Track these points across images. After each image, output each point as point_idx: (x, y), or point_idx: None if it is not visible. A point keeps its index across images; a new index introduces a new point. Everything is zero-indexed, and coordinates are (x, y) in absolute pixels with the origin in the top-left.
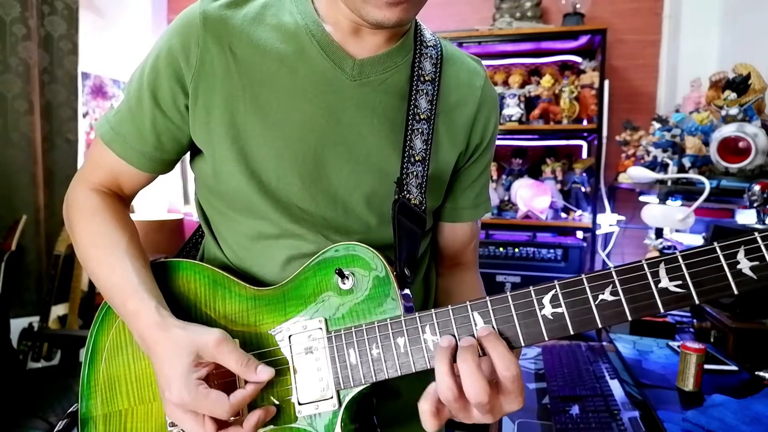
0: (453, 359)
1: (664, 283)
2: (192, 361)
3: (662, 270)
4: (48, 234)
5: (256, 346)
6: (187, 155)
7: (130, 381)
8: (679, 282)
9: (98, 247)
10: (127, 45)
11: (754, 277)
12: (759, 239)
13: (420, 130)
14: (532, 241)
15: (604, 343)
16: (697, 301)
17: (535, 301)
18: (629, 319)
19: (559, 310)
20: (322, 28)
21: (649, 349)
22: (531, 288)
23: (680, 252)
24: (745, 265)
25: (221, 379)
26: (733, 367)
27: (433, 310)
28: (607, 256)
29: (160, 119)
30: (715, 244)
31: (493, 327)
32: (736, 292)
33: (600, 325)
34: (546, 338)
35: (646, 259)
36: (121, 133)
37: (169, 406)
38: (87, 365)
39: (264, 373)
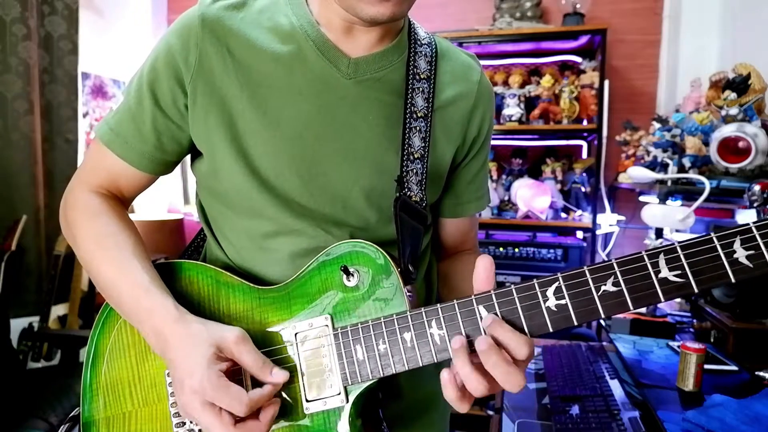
0: (469, 354)
1: (664, 273)
2: (213, 353)
3: (662, 261)
4: (48, 234)
5: (263, 345)
6: (188, 158)
7: (134, 383)
8: (679, 272)
9: (104, 249)
10: (127, 45)
11: (750, 265)
12: (754, 229)
13: (418, 128)
14: (532, 241)
15: (604, 343)
16: (696, 290)
17: (539, 293)
18: (631, 308)
19: (562, 301)
20: (317, 29)
21: (649, 349)
22: (535, 281)
23: (679, 243)
24: (741, 254)
25: (231, 378)
26: (733, 367)
27: (438, 304)
28: (607, 256)
29: (160, 119)
30: (712, 234)
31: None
32: (733, 280)
33: (603, 316)
34: (551, 329)
35: (647, 251)
36: (121, 134)
37: (186, 395)
38: (88, 368)
39: (279, 375)
